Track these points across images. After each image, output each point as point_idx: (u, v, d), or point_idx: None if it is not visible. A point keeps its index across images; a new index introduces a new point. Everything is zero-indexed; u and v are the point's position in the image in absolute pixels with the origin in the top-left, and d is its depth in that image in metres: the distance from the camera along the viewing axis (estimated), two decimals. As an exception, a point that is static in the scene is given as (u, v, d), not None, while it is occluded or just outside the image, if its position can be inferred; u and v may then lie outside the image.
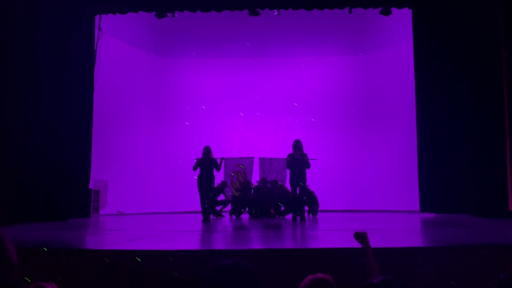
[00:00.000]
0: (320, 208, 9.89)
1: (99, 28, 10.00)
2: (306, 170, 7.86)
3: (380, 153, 12.33)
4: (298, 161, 7.78)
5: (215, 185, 8.73)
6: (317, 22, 11.45)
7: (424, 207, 9.14)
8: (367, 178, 12.44)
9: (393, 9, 9.65)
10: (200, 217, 8.11)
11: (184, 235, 5.71)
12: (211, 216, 9.48)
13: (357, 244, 2.70)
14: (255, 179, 9.97)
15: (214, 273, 1.55)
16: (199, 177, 8.05)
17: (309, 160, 7.84)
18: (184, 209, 11.54)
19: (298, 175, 7.78)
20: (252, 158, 9.90)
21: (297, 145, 7.92)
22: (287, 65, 13.10)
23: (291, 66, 13.11)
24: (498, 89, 7.30)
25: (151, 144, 12.49)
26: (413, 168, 9.86)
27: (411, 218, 8.18)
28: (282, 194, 9.39)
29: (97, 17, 9.84)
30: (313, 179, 9.93)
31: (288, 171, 8.14)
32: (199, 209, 8.21)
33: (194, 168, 8.20)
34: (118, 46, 11.47)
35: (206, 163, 8.08)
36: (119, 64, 11.39)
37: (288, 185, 8.54)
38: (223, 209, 10.01)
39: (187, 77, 13.17)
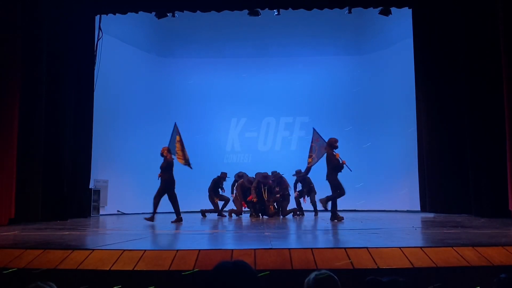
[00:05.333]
0: (320, 208, 9.87)
1: (99, 28, 10.01)
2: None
3: (380, 152, 12.32)
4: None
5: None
6: (317, 22, 11.46)
7: (424, 207, 9.16)
8: (367, 178, 12.42)
9: (393, 9, 9.66)
10: (200, 216, 8.13)
11: (184, 235, 5.71)
12: (212, 216, 9.49)
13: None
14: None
15: (215, 273, 1.55)
16: (172, 180, 7.93)
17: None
18: (184, 209, 11.51)
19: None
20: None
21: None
22: (287, 65, 13.10)
23: (291, 65, 13.11)
24: (498, 88, 7.29)
25: (151, 143, 12.46)
26: (414, 168, 9.87)
27: (411, 218, 8.18)
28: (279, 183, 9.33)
29: (97, 17, 9.85)
30: (314, 179, 9.93)
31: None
32: (199, 209, 8.27)
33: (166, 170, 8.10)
34: (118, 46, 11.47)
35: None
36: (119, 64, 11.39)
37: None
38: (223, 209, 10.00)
39: (187, 77, 13.17)
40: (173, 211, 7.85)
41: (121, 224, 7.89)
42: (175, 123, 8.48)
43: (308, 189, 9.66)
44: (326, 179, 7.62)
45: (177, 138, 8.24)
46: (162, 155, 7.95)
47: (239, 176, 9.79)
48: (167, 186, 7.79)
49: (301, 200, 9.81)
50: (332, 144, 7.67)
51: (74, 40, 8.82)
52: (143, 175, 11.96)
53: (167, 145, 8.11)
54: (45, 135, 7.78)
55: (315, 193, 9.67)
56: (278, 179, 9.36)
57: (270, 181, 9.22)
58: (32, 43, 7.75)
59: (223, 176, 9.93)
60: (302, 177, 9.70)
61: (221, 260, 1.60)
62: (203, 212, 9.55)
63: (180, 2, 9.23)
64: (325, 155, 7.76)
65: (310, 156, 8.59)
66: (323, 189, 10.02)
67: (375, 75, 12.58)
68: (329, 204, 7.71)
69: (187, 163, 8.21)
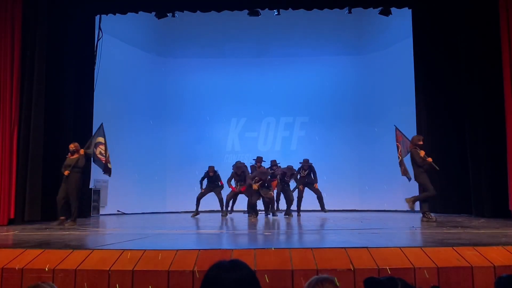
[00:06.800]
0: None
1: (99, 28, 10.01)
2: None
3: (380, 152, 12.31)
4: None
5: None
6: (317, 22, 11.47)
7: (424, 207, 9.13)
8: (367, 178, 12.44)
9: (393, 9, 9.66)
10: (200, 216, 8.10)
11: (184, 235, 5.71)
12: (213, 216, 9.46)
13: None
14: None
15: (212, 272, 1.54)
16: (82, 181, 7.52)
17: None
18: (184, 209, 11.52)
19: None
20: None
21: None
22: (287, 65, 13.10)
23: (291, 65, 13.11)
24: (499, 87, 7.30)
25: (151, 143, 12.49)
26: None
27: (411, 218, 8.18)
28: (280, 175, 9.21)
29: (97, 17, 9.85)
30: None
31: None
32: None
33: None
34: (118, 46, 11.47)
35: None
36: (119, 64, 11.39)
37: None
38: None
39: (187, 77, 13.17)
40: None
41: (121, 224, 7.89)
42: (102, 123, 7.87)
43: (309, 179, 9.54)
44: (415, 180, 7.15)
45: (103, 139, 7.65)
46: (75, 151, 7.18)
47: (237, 167, 9.56)
48: (79, 186, 7.21)
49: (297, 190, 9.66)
50: (414, 142, 7.14)
51: (74, 40, 8.82)
52: (143, 175, 11.98)
53: (86, 142, 7.55)
54: (45, 135, 7.78)
55: (316, 181, 9.54)
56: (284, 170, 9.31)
57: (268, 177, 9.05)
58: (32, 43, 7.75)
59: (210, 170, 9.61)
60: (309, 166, 9.61)
61: (219, 260, 1.59)
62: (225, 213, 9.40)
63: (180, 2, 9.23)
64: (409, 154, 7.21)
65: (398, 157, 7.68)
66: (329, 187, 10.02)
67: (375, 75, 12.58)
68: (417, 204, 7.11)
69: (106, 169, 7.71)
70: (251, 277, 1.53)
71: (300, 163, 9.71)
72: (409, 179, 7.44)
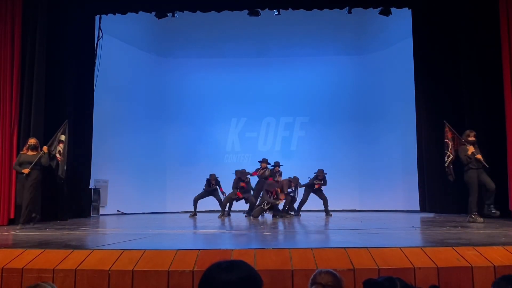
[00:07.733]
0: (320, 208, 9.85)
1: (99, 28, 10.02)
2: None
3: (380, 152, 12.32)
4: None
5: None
6: (317, 22, 11.47)
7: (423, 207, 9.16)
8: (367, 178, 12.44)
9: (393, 9, 9.67)
10: (199, 216, 8.09)
11: (184, 235, 5.71)
12: (211, 216, 9.44)
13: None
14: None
15: (208, 273, 1.52)
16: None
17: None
18: (184, 209, 11.53)
19: None
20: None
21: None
22: (287, 65, 13.10)
23: (291, 65, 13.11)
24: (498, 88, 7.30)
25: (151, 143, 12.49)
26: (413, 167, 9.87)
27: (411, 218, 8.18)
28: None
29: (97, 17, 9.86)
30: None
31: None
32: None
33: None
34: (118, 46, 11.47)
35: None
36: (119, 64, 11.40)
37: None
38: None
39: (187, 77, 13.18)
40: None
41: (121, 224, 7.89)
42: (66, 121, 7.48)
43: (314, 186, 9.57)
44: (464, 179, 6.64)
45: (64, 137, 7.24)
46: (36, 148, 6.82)
47: (242, 173, 9.54)
48: (39, 186, 6.84)
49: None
50: (464, 138, 6.70)
51: (74, 40, 8.83)
52: (143, 175, 11.98)
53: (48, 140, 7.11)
54: (45, 135, 7.77)
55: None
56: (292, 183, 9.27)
57: (277, 189, 8.91)
58: (32, 43, 7.75)
59: (212, 179, 9.65)
60: (324, 176, 9.59)
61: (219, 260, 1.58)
62: (223, 214, 9.31)
63: (180, 2, 9.23)
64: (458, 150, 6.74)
65: (449, 155, 6.99)
66: (329, 187, 10.00)
67: (375, 75, 12.59)
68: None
69: (62, 171, 7.18)
70: (249, 279, 1.50)
71: (314, 173, 9.68)
72: (452, 180, 7.06)
